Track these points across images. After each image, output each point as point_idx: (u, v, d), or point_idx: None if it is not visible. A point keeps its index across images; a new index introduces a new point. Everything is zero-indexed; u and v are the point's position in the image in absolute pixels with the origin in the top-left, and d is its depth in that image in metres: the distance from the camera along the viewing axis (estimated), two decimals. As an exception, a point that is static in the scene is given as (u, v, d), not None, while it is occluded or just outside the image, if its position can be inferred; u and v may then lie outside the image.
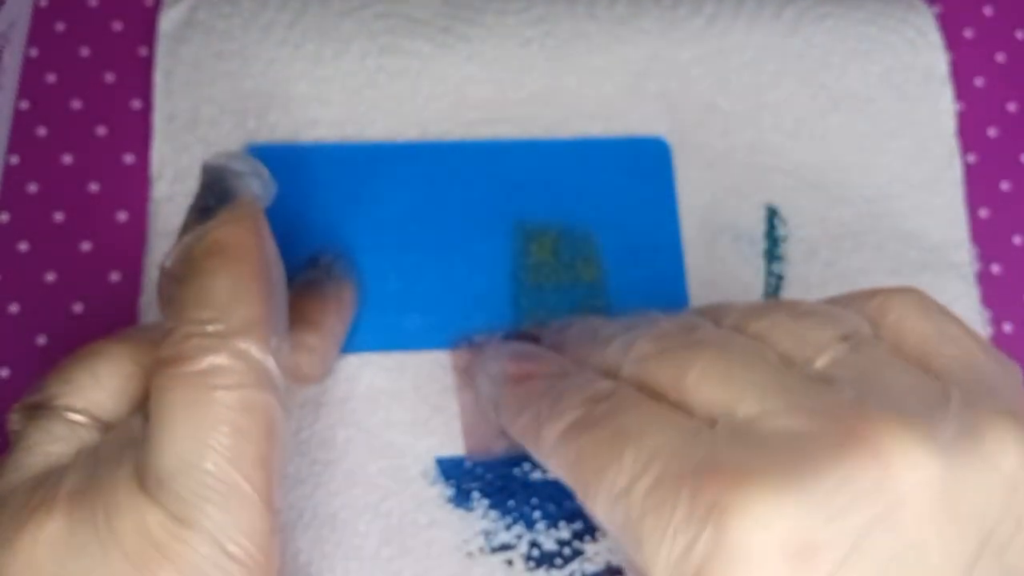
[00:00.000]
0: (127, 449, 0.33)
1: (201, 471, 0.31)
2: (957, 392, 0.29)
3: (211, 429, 0.32)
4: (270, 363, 0.33)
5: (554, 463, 0.34)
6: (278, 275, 0.36)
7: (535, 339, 0.42)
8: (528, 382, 0.37)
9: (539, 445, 0.34)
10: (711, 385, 0.30)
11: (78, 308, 0.45)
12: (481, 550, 0.42)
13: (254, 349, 0.33)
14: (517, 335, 0.44)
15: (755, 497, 0.26)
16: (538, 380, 0.36)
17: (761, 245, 0.46)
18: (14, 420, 0.35)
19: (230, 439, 0.32)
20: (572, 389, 0.34)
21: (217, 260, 0.34)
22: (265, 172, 0.38)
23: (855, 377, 0.29)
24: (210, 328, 0.33)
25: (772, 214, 0.47)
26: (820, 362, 0.30)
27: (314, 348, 0.41)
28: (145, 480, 0.31)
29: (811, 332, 0.31)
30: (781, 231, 0.47)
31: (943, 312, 0.32)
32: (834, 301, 0.34)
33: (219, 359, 0.32)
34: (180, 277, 0.34)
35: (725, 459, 0.28)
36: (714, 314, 0.35)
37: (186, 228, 0.36)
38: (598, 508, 0.31)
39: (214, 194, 0.36)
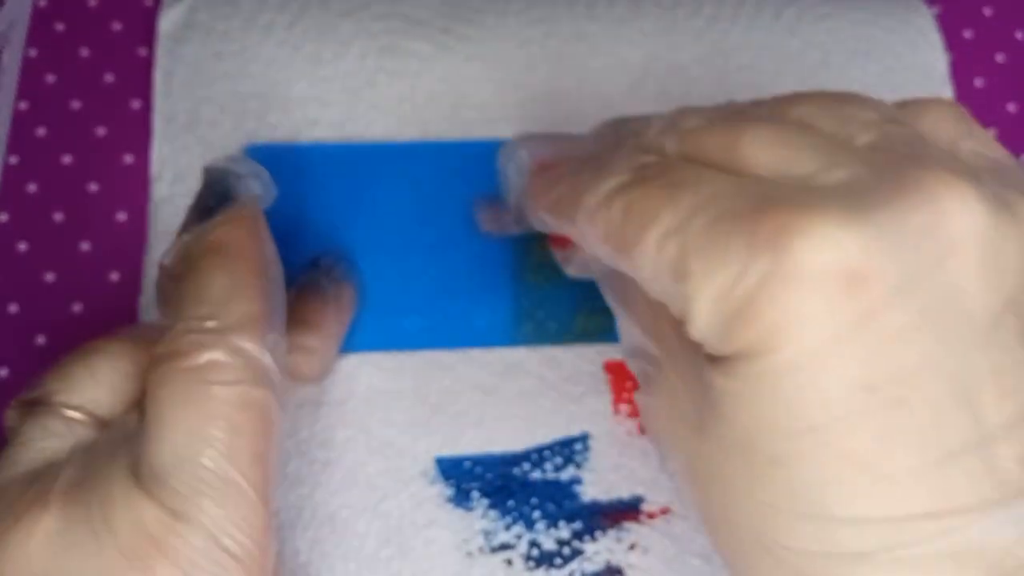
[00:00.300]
0: (123, 445, 0.33)
1: (197, 466, 0.31)
2: (987, 173, 0.29)
3: (207, 424, 0.32)
4: (267, 360, 0.33)
5: (594, 228, 0.32)
6: (276, 274, 0.36)
7: None
8: (561, 166, 0.36)
9: (576, 213, 0.33)
10: (764, 149, 0.30)
11: (77, 308, 0.45)
12: (480, 550, 0.41)
13: (251, 345, 0.33)
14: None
15: (817, 224, 0.26)
16: (573, 163, 0.36)
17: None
18: (11, 416, 0.35)
19: (226, 434, 0.32)
20: (617, 160, 0.33)
21: (216, 259, 0.34)
22: (265, 174, 0.38)
23: (901, 144, 0.30)
24: (208, 324, 0.33)
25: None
26: (864, 139, 0.30)
27: (313, 349, 0.41)
28: (140, 475, 0.31)
29: (854, 114, 0.31)
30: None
31: (976, 124, 0.33)
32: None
33: (216, 355, 0.32)
34: (179, 275, 0.35)
35: (786, 198, 0.28)
36: (750, 103, 0.34)
37: (186, 228, 0.36)
38: (643, 255, 0.30)
39: (214, 195, 0.37)
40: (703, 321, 0.28)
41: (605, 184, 0.32)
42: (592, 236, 0.33)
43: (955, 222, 0.27)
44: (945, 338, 0.27)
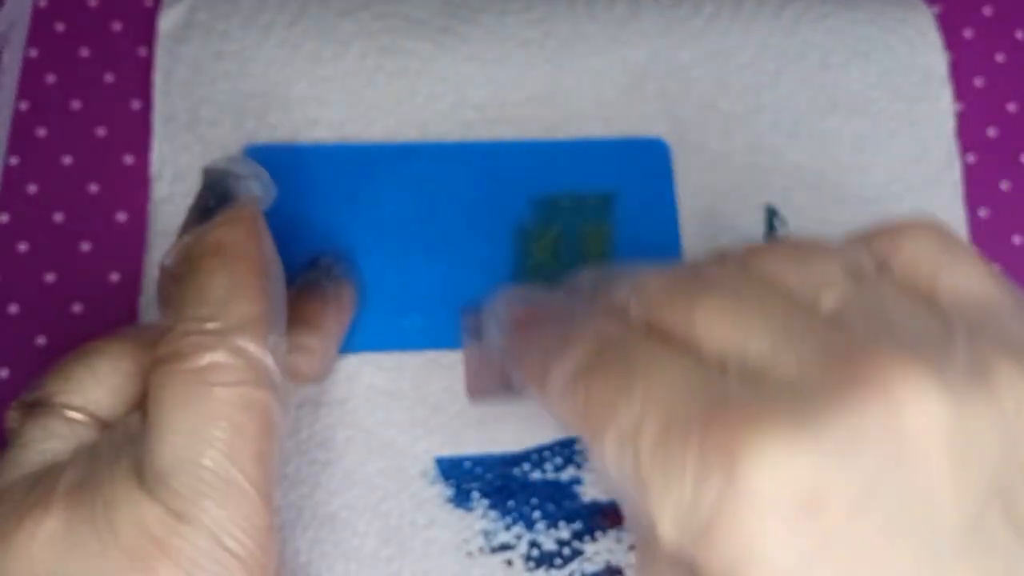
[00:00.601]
0: (125, 446, 0.33)
1: (199, 467, 0.31)
2: (963, 328, 0.28)
3: (209, 425, 0.32)
4: (268, 360, 0.33)
5: (563, 409, 0.32)
6: (277, 275, 0.36)
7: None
8: (535, 325, 0.36)
9: (547, 389, 0.33)
10: (720, 324, 0.30)
11: (78, 308, 0.45)
12: (481, 550, 0.42)
13: (252, 346, 0.33)
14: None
15: (766, 443, 0.26)
16: (545, 323, 0.36)
17: (760, 245, 0.46)
18: (12, 417, 0.35)
19: (228, 435, 0.32)
20: (580, 331, 0.33)
21: (216, 259, 0.34)
22: (265, 175, 0.38)
23: (862, 315, 0.29)
24: (208, 325, 0.33)
25: (772, 214, 0.47)
26: (826, 300, 0.30)
27: (313, 349, 0.41)
28: (143, 476, 0.31)
29: (817, 269, 0.31)
30: (781, 231, 0.47)
31: (958, 244, 0.32)
32: (847, 236, 0.33)
33: (217, 356, 0.32)
34: (179, 276, 0.35)
35: (736, 403, 0.27)
36: (718, 256, 0.34)
37: (186, 229, 0.36)
38: (607, 454, 0.30)
39: (215, 196, 0.37)
40: (668, 538, 0.28)
41: (568, 363, 0.32)
42: (563, 418, 0.33)
43: (914, 422, 0.26)
44: (918, 548, 0.26)
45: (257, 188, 0.37)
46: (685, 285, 0.32)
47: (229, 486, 0.32)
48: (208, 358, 0.32)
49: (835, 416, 0.26)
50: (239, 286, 0.34)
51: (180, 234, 0.36)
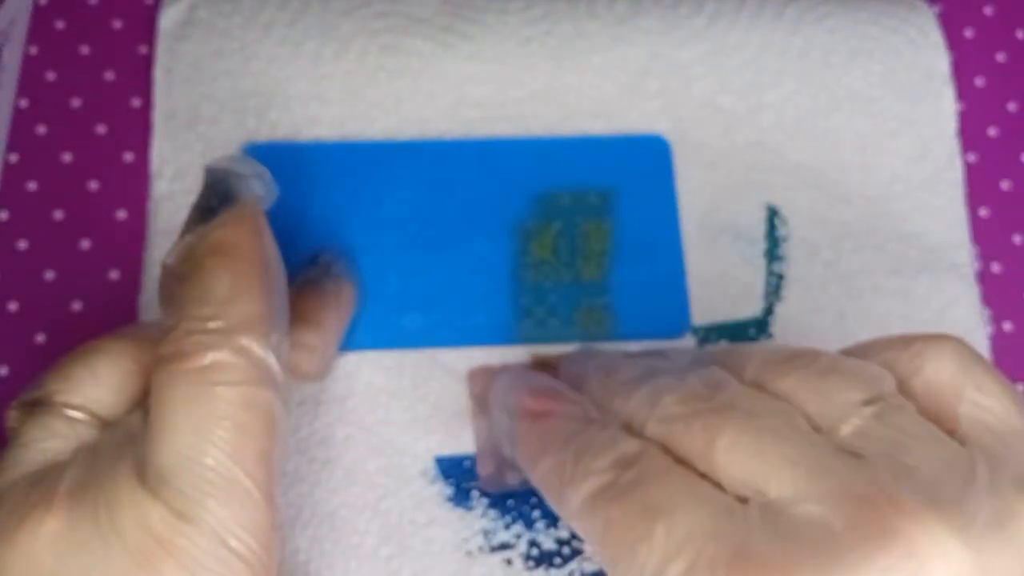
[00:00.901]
0: (127, 445, 0.33)
1: (202, 466, 0.31)
2: (984, 465, 0.28)
3: (212, 425, 0.32)
4: (271, 360, 0.33)
5: (580, 527, 0.33)
6: (278, 274, 0.36)
7: (551, 368, 0.42)
8: (547, 421, 0.36)
9: (562, 505, 0.34)
10: (741, 458, 0.30)
11: (77, 306, 0.45)
12: (480, 549, 0.42)
13: (255, 345, 0.33)
14: (536, 365, 0.44)
15: None
16: (558, 420, 0.36)
17: (761, 245, 0.46)
18: (12, 417, 0.35)
19: (231, 435, 0.32)
20: (596, 447, 0.33)
21: (218, 259, 0.34)
22: (267, 174, 0.38)
23: (883, 451, 0.29)
24: (211, 325, 0.33)
25: (772, 214, 0.47)
26: (847, 429, 0.30)
27: (313, 347, 0.41)
28: (146, 476, 0.31)
29: (836, 394, 0.31)
30: (781, 231, 0.47)
31: (980, 363, 0.32)
32: (869, 347, 0.34)
33: (220, 355, 0.32)
34: (181, 275, 0.35)
35: (758, 549, 0.27)
36: (735, 363, 0.34)
37: (188, 228, 0.36)
38: None
39: (216, 195, 0.36)
40: None
41: (585, 484, 0.32)
42: (581, 534, 0.33)
43: (936, 573, 0.26)
44: None
45: (259, 187, 0.37)
46: (703, 409, 0.32)
47: (232, 486, 0.32)
48: (211, 357, 0.32)
49: (858, 570, 0.26)
50: (241, 286, 0.34)
51: (182, 233, 0.36)
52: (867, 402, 0.30)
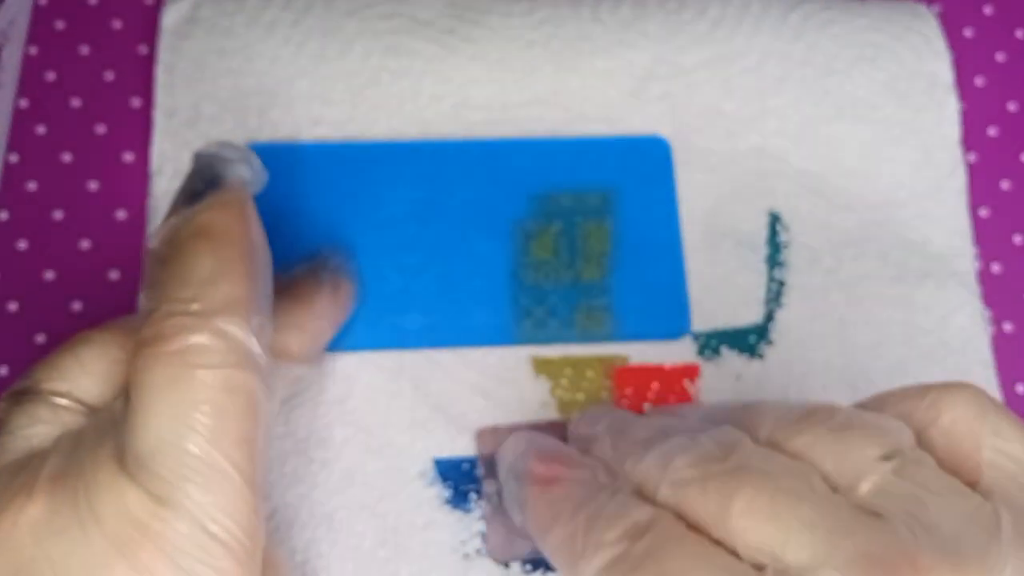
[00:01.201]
0: (109, 430, 0.33)
1: (180, 450, 0.31)
2: (1009, 518, 0.28)
3: (191, 408, 0.31)
4: (252, 343, 0.33)
5: None
6: (264, 260, 0.36)
7: (561, 428, 0.42)
8: (556, 487, 0.36)
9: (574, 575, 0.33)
10: (757, 522, 0.29)
11: (77, 306, 0.45)
12: (478, 552, 0.41)
13: (236, 328, 0.33)
14: (544, 425, 0.43)
15: None
16: (567, 487, 0.35)
17: (763, 251, 0.46)
18: (0, 408, 0.35)
19: (211, 418, 0.31)
20: (607, 516, 0.32)
21: (202, 242, 0.34)
22: (256, 160, 0.38)
23: (903, 508, 0.28)
24: (192, 307, 0.32)
25: (774, 220, 0.47)
26: (865, 487, 0.29)
27: (303, 326, 0.40)
28: (125, 460, 0.31)
29: (854, 451, 0.30)
30: (783, 237, 0.47)
31: (998, 409, 0.31)
32: (884, 399, 0.33)
33: (200, 338, 0.32)
34: (164, 258, 0.34)
35: None
36: (748, 421, 0.34)
37: (173, 211, 0.36)
38: None
39: (203, 179, 0.36)
40: None
41: (597, 557, 0.31)
42: None
43: None
44: None
45: (247, 172, 0.37)
46: (717, 472, 0.31)
47: (212, 470, 0.31)
48: (190, 340, 0.32)
49: None
50: (224, 268, 0.33)
51: (167, 216, 0.36)
52: (885, 457, 0.30)
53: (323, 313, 0.42)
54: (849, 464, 0.30)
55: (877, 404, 0.33)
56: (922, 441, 0.31)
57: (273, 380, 0.35)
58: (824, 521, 0.28)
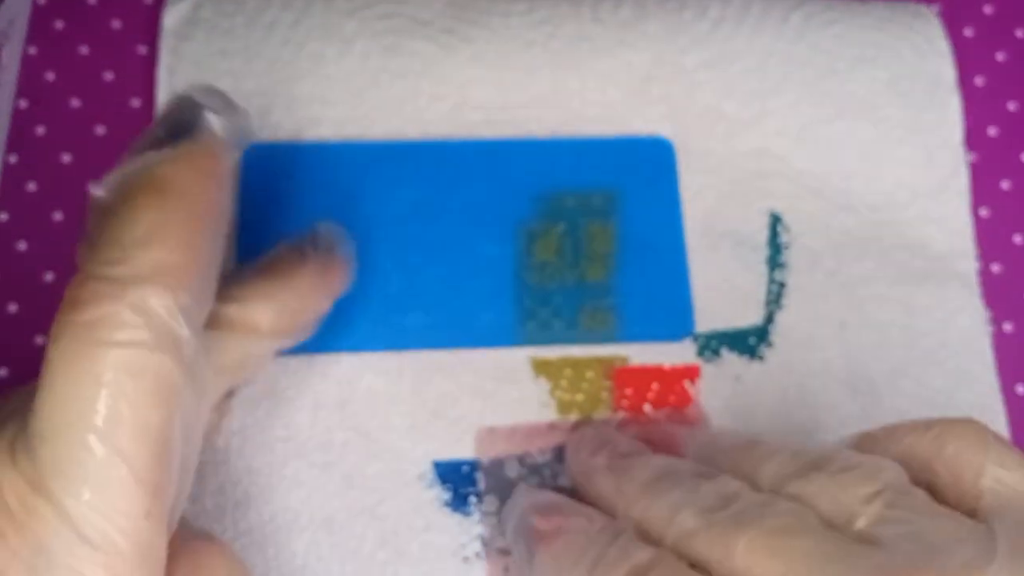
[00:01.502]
0: (20, 409, 0.30)
1: (67, 437, 0.28)
2: (1007, 538, 0.28)
3: (87, 389, 0.28)
4: (177, 322, 0.29)
5: None
6: (221, 228, 0.33)
7: (561, 429, 0.43)
8: (558, 540, 0.36)
9: None
10: (759, 559, 0.30)
11: (76, 307, 0.45)
12: (478, 555, 0.41)
13: (158, 302, 0.29)
14: (543, 427, 0.43)
15: None
16: (568, 538, 0.35)
17: (763, 252, 0.46)
18: None
19: (107, 405, 0.28)
20: (610, 560, 0.33)
21: (149, 196, 0.30)
22: (243, 114, 0.34)
23: (898, 534, 0.29)
24: (115, 271, 0.29)
25: (775, 221, 0.47)
26: (861, 522, 0.30)
27: (274, 297, 0.37)
28: (16, 441, 0.29)
29: (848, 491, 0.31)
30: (784, 238, 0.46)
31: (1001, 442, 0.32)
32: (891, 433, 0.34)
33: (114, 309, 0.28)
34: (108, 209, 0.31)
35: None
36: (749, 465, 0.34)
37: (131, 156, 0.32)
38: None
39: (174, 125, 0.33)
40: None
41: None
42: None
43: None
44: None
45: (226, 125, 0.33)
46: (721, 520, 0.32)
47: (98, 463, 0.28)
48: (102, 310, 0.28)
49: None
50: (166, 230, 0.30)
51: (124, 161, 0.32)
52: (877, 494, 0.30)
53: (303, 289, 0.38)
54: (844, 503, 0.31)
55: (884, 436, 0.34)
56: (926, 471, 0.32)
57: (202, 369, 0.32)
58: (822, 550, 0.29)
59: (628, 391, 0.44)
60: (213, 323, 0.33)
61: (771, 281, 0.46)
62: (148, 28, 0.48)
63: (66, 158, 0.47)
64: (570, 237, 0.45)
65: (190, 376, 0.30)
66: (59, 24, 0.48)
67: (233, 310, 0.35)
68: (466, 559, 0.41)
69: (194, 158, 0.32)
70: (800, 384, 0.45)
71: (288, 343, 0.38)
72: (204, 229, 0.31)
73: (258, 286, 0.36)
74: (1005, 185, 0.49)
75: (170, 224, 0.30)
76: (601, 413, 0.44)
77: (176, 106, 0.33)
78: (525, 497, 0.39)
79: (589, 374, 0.44)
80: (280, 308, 0.37)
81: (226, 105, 0.34)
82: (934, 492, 0.31)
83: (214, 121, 0.33)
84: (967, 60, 0.50)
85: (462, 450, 0.43)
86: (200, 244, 0.31)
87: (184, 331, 0.30)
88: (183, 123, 0.33)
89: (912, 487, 0.31)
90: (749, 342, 0.45)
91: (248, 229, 0.44)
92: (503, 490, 0.42)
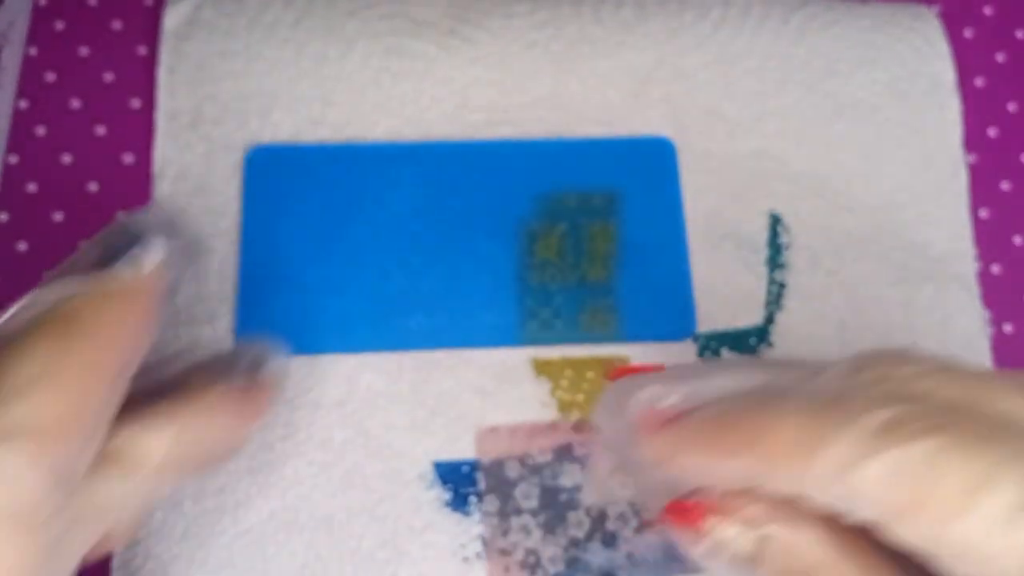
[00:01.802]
0: None
1: None
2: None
3: None
4: (29, 487, 0.27)
5: (849, 488, 0.26)
6: (130, 367, 0.31)
7: (561, 430, 0.43)
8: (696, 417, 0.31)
9: (808, 475, 0.27)
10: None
11: (76, 308, 0.45)
12: (478, 555, 0.41)
13: (16, 463, 0.26)
14: (544, 427, 0.43)
15: None
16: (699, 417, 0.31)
17: (764, 252, 0.46)
18: None
19: None
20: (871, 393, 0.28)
21: (53, 334, 0.28)
22: (189, 236, 0.32)
23: None
24: None
25: (775, 221, 0.47)
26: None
27: (173, 421, 0.32)
28: None
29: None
30: (784, 239, 0.46)
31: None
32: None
33: None
34: (8, 338, 0.29)
35: None
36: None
37: (52, 279, 0.31)
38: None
39: (103, 248, 0.31)
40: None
41: (857, 424, 0.26)
42: (852, 496, 0.26)
43: None
44: None
45: (163, 254, 0.32)
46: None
47: None
48: None
49: None
50: (60, 374, 0.28)
51: (45, 282, 0.31)
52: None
53: (210, 415, 0.34)
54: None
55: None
56: None
57: (69, 522, 0.29)
58: None
59: (628, 392, 0.44)
60: (97, 456, 0.30)
61: (771, 281, 0.46)
62: (148, 29, 0.48)
63: (66, 158, 0.47)
64: (571, 237, 0.45)
65: (43, 534, 0.27)
66: (59, 25, 0.48)
67: (122, 439, 0.31)
68: (466, 559, 0.41)
69: (110, 295, 0.30)
70: (800, 385, 0.45)
71: (187, 480, 0.35)
72: (105, 372, 0.29)
73: (158, 410, 0.32)
74: (1005, 186, 0.49)
75: (67, 367, 0.28)
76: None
77: (112, 230, 0.32)
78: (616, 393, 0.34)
79: (590, 374, 0.44)
80: (176, 436, 0.32)
81: (171, 229, 0.32)
82: None
83: (147, 253, 0.31)
84: (967, 61, 0.50)
85: (462, 450, 0.43)
86: (97, 388, 0.29)
87: (37, 495, 0.27)
88: (115, 250, 0.31)
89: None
90: (749, 342, 0.45)
91: (249, 230, 0.44)
92: (503, 490, 0.42)
